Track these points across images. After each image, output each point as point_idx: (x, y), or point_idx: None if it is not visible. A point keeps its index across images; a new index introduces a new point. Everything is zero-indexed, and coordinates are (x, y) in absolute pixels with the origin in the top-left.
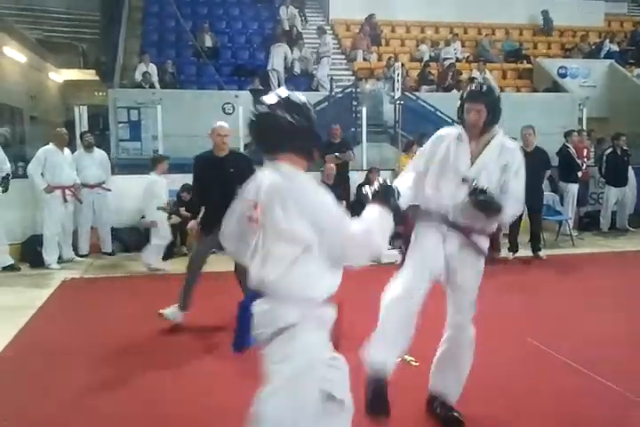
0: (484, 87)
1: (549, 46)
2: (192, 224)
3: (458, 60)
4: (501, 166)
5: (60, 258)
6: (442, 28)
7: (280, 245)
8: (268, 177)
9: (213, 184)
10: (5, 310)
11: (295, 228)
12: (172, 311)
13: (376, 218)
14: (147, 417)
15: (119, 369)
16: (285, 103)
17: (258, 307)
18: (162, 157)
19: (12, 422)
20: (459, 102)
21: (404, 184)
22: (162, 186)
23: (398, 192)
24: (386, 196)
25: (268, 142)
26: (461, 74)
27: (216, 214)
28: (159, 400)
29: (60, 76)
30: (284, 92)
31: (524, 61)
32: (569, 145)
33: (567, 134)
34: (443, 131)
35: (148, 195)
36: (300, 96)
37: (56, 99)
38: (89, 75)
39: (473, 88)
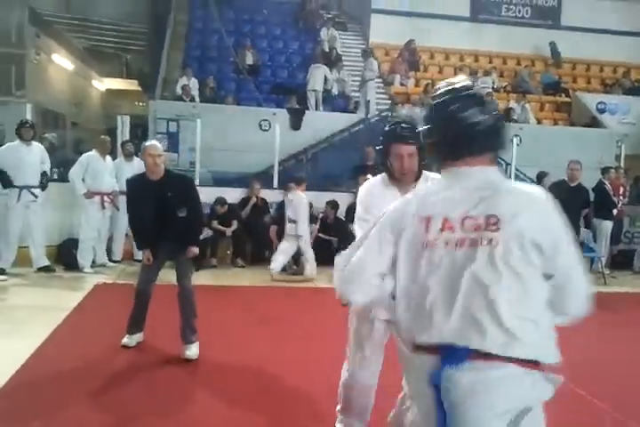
0: (413, 125)
1: (589, 81)
2: (147, 256)
3: (496, 89)
4: None
5: (93, 262)
6: (481, 56)
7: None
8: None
9: (148, 211)
10: (40, 310)
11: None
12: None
13: None
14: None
15: (146, 373)
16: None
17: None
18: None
19: (42, 422)
20: (380, 145)
21: None
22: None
23: None
24: None
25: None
26: (498, 104)
27: (153, 244)
28: (185, 401)
29: (102, 84)
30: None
31: (563, 95)
32: (605, 181)
33: (604, 171)
34: (368, 182)
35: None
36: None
37: (97, 106)
38: (131, 85)
39: (401, 127)
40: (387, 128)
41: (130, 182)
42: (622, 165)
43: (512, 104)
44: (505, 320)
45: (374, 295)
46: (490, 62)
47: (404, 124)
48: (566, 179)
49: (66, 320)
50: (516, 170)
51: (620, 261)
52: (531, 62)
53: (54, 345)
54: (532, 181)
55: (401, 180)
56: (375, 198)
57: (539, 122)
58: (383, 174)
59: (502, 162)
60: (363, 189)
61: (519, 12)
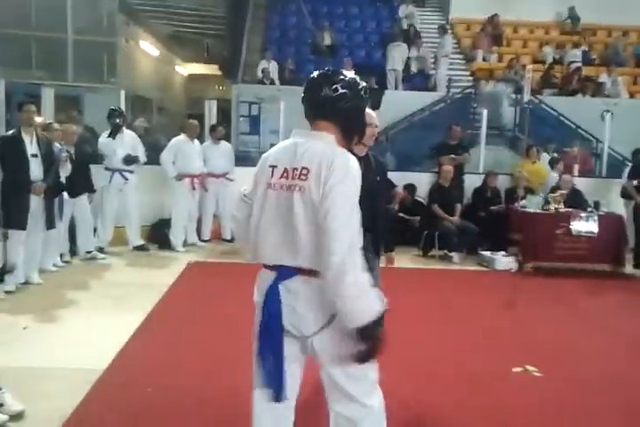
0: None
1: None
2: None
3: (585, 63)
4: None
5: (184, 242)
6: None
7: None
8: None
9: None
10: (138, 287)
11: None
12: None
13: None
14: None
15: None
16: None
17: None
18: None
19: (155, 390)
20: None
21: None
22: None
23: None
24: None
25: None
26: (588, 78)
27: None
28: None
29: (185, 69)
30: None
31: None
32: None
33: None
34: None
35: None
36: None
37: (180, 91)
38: (211, 69)
39: None
40: None
41: None
42: None
43: (603, 78)
44: None
45: None
46: (578, 35)
47: None
48: None
49: (165, 296)
50: (609, 148)
51: None
52: (622, 33)
53: (156, 319)
54: (626, 159)
55: None
56: None
57: (631, 96)
58: None
59: (594, 139)
60: None
61: None
